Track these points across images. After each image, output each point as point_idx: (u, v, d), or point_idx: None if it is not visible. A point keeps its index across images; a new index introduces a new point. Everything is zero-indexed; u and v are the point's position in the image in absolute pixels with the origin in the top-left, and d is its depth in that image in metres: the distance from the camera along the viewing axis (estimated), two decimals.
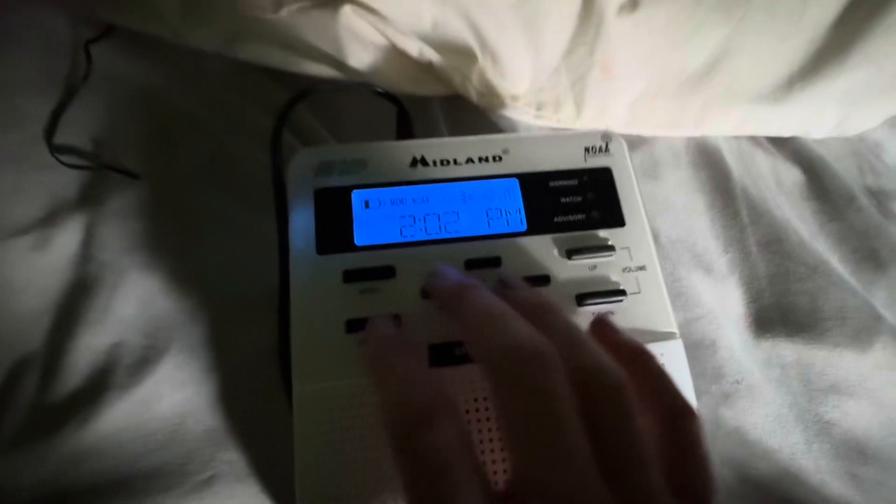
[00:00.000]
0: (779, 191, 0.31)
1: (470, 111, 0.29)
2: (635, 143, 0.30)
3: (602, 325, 0.17)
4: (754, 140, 0.32)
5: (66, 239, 0.23)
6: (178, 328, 0.22)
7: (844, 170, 0.32)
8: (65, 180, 0.24)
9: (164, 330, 0.22)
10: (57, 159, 0.24)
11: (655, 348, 0.17)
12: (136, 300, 0.22)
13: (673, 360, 0.19)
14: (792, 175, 0.31)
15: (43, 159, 0.24)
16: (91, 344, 0.21)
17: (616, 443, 0.12)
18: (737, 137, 0.32)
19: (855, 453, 0.24)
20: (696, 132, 0.30)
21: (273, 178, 0.21)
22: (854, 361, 0.25)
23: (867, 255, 0.28)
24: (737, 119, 0.30)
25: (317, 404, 0.17)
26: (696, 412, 0.14)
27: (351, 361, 0.18)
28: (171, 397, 0.21)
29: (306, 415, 0.17)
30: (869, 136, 0.35)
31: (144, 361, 0.21)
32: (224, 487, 0.20)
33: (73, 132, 0.25)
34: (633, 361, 0.15)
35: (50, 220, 0.23)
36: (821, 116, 0.30)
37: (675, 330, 0.20)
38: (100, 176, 0.24)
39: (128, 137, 0.25)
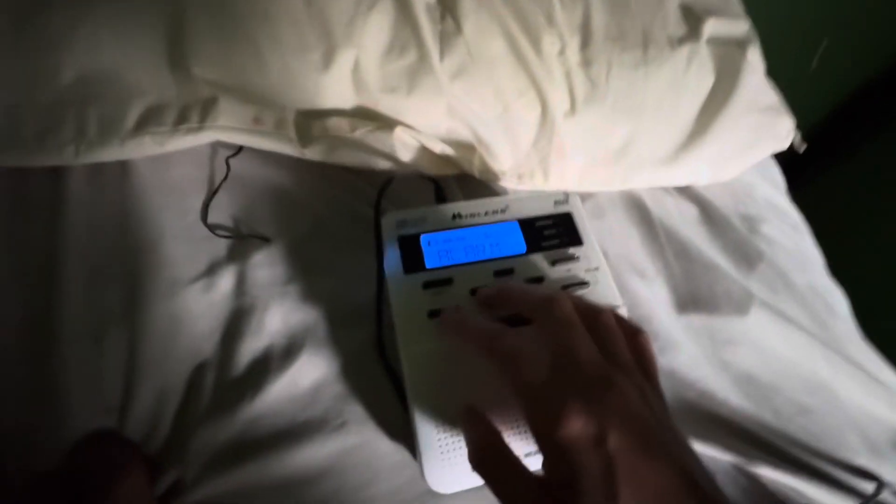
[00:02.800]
0: (682, 221, 0.45)
1: (475, 182, 0.44)
2: (585, 196, 0.44)
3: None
4: (664, 189, 0.47)
5: (224, 283, 0.34)
6: (309, 332, 0.33)
7: (724, 204, 0.47)
8: (218, 246, 0.36)
9: (300, 334, 0.33)
10: (211, 232, 0.37)
11: None
12: (279, 317, 0.33)
13: None
14: (690, 210, 0.46)
15: (202, 233, 0.37)
16: (251, 348, 0.32)
17: (605, 338, 0.24)
18: (651, 188, 0.47)
19: (746, 380, 0.37)
20: (624, 187, 0.45)
21: (375, 230, 0.34)
22: (739, 323, 0.38)
23: (741, 258, 0.43)
24: (646, 178, 0.45)
25: (414, 359, 0.29)
26: (644, 331, 0.25)
27: (430, 334, 0.30)
28: (309, 375, 0.32)
29: (410, 365, 0.29)
30: (743, 179, 0.51)
31: (289, 354, 0.32)
32: (353, 428, 0.31)
33: (220, 215, 0.38)
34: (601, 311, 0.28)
35: (211, 271, 0.35)
36: (699, 172, 0.46)
37: (621, 303, 0.33)
38: (242, 242, 0.37)
39: (260, 215, 0.38)
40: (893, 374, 0.41)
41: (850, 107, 1.07)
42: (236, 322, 0.33)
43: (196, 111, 0.35)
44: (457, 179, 0.43)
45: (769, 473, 0.32)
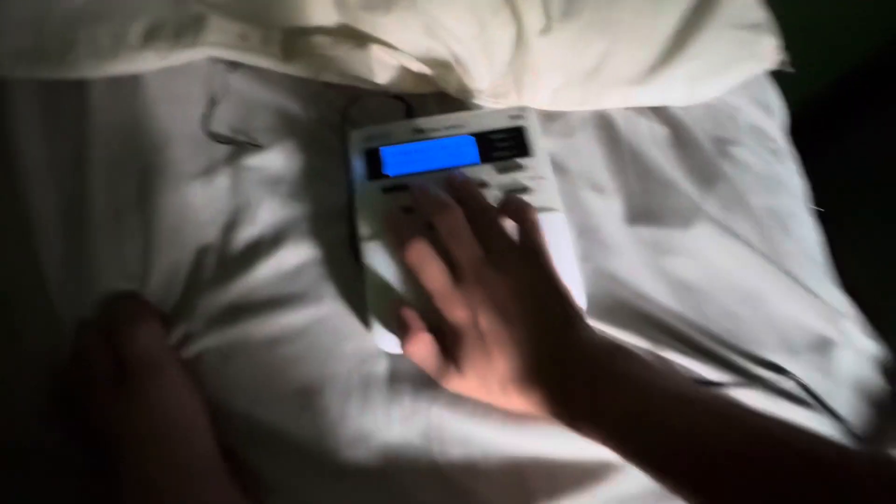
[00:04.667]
0: (652, 142, 0.47)
1: (452, 101, 0.46)
2: (557, 115, 0.47)
3: (507, 197, 0.35)
4: (639, 110, 0.49)
5: (222, 181, 0.40)
6: (294, 225, 0.39)
7: (700, 127, 0.48)
8: (217, 151, 0.42)
9: (286, 226, 0.39)
10: (210, 138, 0.42)
11: (545, 216, 0.34)
12: (269, 212, 0.39)
13: (556, 225, 0.36)
14: (662, 131, 0.48)
15: (203, 139, 0.42)
16: (246, 235, 0.38)
17: (489, 237, 0.32)
18: (627, 109, 0.48)
19: (681, 287, 0.40)
20: (596, 107, 0.47)
21: (342, 145, 0.39)
22: (682, 235, 0.42)
23: (701, 178, 0.45)
24: (620, 97, 0.46)
25: (371, 249, 0.35)
26: (533, 210, 0.33)
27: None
28: (293, 259, 0.37)
29: (368, 254, 0.35)
30: (727, 101, 0.51)
31: (276, 242, 0.38)
32: (327, 302, 0.36)
33: (219, 125, 0.43)
34: (518, 208, 0.33)
35: (211, 171, 0.40)
36: (673, 92, 0.47)
37: (558, 208, 0.37)
38: (238, 148, 0.42)
39: (255, 127, 0.43)
40: (838, 293, 0.44)
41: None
42: (233, 214, 0.40)
43: (190, 28, 0.40)
44: (434, 98, 0.46)
45: (679, 359, 0.37)
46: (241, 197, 0.40)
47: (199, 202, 0.40)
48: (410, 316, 0.32)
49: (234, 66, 0.44)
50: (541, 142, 0.39)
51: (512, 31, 0.44)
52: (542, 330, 0.29)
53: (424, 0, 0.42)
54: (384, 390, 0.34)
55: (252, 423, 0.34)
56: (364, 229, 0.35)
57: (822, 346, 0.39)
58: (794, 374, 0.37)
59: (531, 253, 0.32)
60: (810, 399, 0.37)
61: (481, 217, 0.33)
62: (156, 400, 0.32)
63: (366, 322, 0.35)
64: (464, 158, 0.38)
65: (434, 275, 0.31)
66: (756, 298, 0.41)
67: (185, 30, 0.40)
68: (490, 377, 0.30)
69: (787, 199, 0.48)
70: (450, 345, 0.31)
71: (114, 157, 0.40)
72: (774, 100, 0.55)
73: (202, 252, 0.38)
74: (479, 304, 0.30)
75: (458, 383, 0.31)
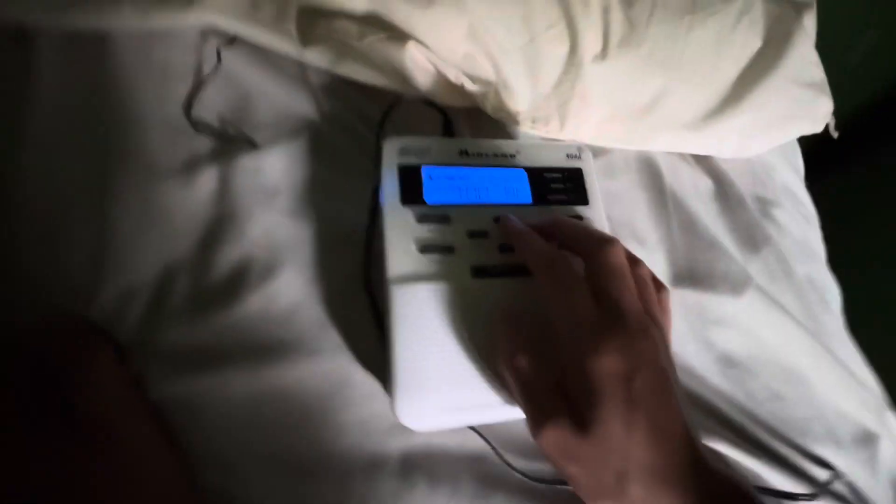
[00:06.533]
0: (695, 193, 0.43)
1: (484, 119, 0.40)
2: (599, 152, 0.42)
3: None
4: (681, 156, 0.45)
5: (204, 183, 0.31)
6: (293, 250, 0.31)
7: (742, 182, 0.45)
8: (201, 143, 0.33)
9: (283, 251, 0.31)
10: (193, 128, 0.34)
11: None
12: (262, 229, 0.31)
13: None
14: (704, 182, 0.44)
15: (183, 126, 0.33)
16: (229, 256, 0.30)
17: (642, 290, 0.26)
18: (669, 153, 0.44)
19: (726, 360, 0.36)
20: (642, 148, 0.43)
21: (375, 154, 0.31)
22: (731, 305, 0.38)
23: (747, 240, 0.42)
24: (669, 141, 0.42)
25: (400, 292, 0.28)
26: (668, 289, 0.28)
27: (420, 268, 0.28)
28: (288, 296, 0.30)
29: (396, 297, 0.27)
30: (765, 159, 0.49)
31: (269, 271, 0.30)
32: (327, 355, 0.29)
33: (206, 111, 0.34)
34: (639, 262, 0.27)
35: (191, 168, 0.31)
36: (725, 143, 0.43)
37: None
38: (227, 143, 0.34)
39: (250, 118, 0.34)
40: (870, 374, 0.42)
41: (881, 107, 1.02)
42: (215, 226, 0.31)
43: None
44: (465, 114, 0.40)
45: (730, 451, 0.32)
46: (226, 205, 0.32)
47: (172, 205, 0.31)
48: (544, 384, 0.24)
49: (231, 39, 0.36)
50: (597, 189, 0.33)
51: (564, 50, 0.39)
52: (691, 430, 0.22)
53: None
54: (394, 478, 0.27)
55: (226, 502, 0.26)
56: (394, 266, 0.28)
57: (866, 440, 0.36)
58: (845, 475, 0.34)
59: (668, 326, 0.27)
60: (857, 501, 0.34)
61: (632, 264, 0.27)
62: (111, 470, 0.23)
63: (385, 386, 0.28)
64: (515, 196, 0.31)
65: (584, 301, 0.24)
66: (801, 379, 0.37)
67: None
68: (614, 456, 0.22)
69: (819, 268, 0.46)
70: (576, 395, 0.23)
71: (61, 134, 0.30)
72: (799, 161, 0.53)
73: (171, 270, 0.30)
74: (643, 361, 0.23)
75: (568, 441, 0.22)
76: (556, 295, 0.25)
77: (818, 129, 0.44)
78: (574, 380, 0.23)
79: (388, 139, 0.31)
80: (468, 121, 0.40)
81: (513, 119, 0.40)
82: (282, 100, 0.36)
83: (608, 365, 0.22)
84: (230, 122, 0.34)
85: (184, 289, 0.30)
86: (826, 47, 0.81)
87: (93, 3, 0.30)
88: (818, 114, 0.44)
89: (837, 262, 0.48)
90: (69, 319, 0.27)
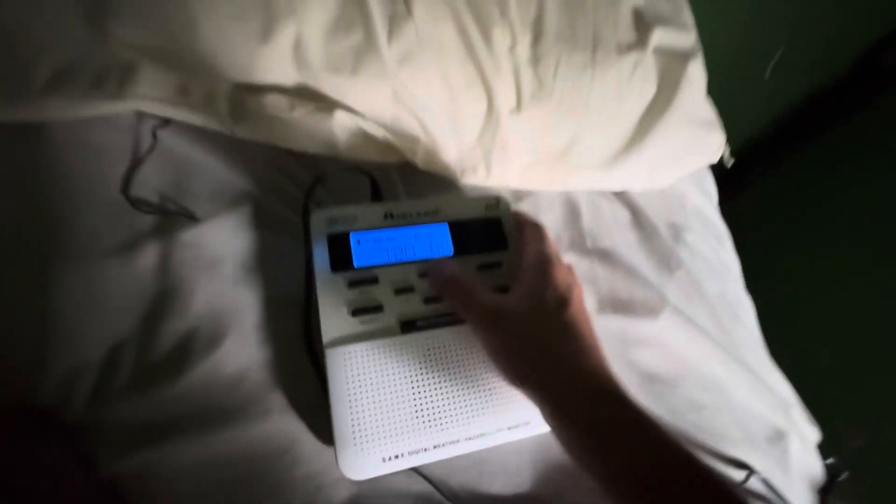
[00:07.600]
0: (614, 224, 0.47)
1: (417, 173, 0.43)
2: (525, 194, 0.46)
3: None
4: (601, 193, 0.49)
5: (146, 259, 0.33)
6: (236, 318, 0.33)
7: (656, 211, 0.50)
8: (141, 220, 0.34)
9: (226, 319, 0.33)
10: (132, 206, 0.35)
11: None
12: (205, 300, 0.33)
13: None
14: (623, 214, 0.49)
15: (123, 205, 0.35)
16: (174, 329, 0.31)
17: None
18: (589, 192, 0.49)
19: (648, 378, 0.40)
20: (563, 188, 0.47)
21: (304, 227, 0.34)
22: (649, 326, 0.42)
23: (663, 264, 0.46)
24: (586, 180, 0.46)
25: (335, 355, 0.30)
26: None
27: (353, 331, 0.31)
28: (233, 362, 0.31)
29: (332, 360, 0.30)
30: (677, 188, 0.54)
31: (214, 340, 0.32)
32: (275, 416, 0.31)
33: (144, 189, 0.36)
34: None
35: (132, 246, 0.33)
36: (636, 178, 0.48)
37: None
38: (168, 218, 0.35)
39: (188, 192, 0.36)
40: (780, 377, 0.46)
41: (793, 117, 1.12)
42: (159, 301, 0.32)
43: (114, 76, 0.33)
44: (398, 171, 0.43)
45: None
46: (169, 279, 0.33)
47: (115, 284, 0.32)
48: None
49: (166, 120, 0.37)
50: (515, 233, 0.37)
51: (483, 106, 0.43)
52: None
53: (395, 65, 0.39)
54: None
55: None
56: (328, 332, 0.30)
57: (777, 438, 0.41)
58: (760, 473, 0.38)
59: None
60: (772, 496, 0.38)
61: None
62: None
63: (327, 441, 0.30)
64: (438, 250, 0.34)
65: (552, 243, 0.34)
66: (718, 387, 0.42)
67: (107, 77, 0.33)
68: (547, 317, 0.30)
69: (733, 285, 0.51)
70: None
71: (2, 221, 0.31)
72: (711, 185, 0.58)
73: (116, 348, 0.31)
74: (575, 297, 0.31)
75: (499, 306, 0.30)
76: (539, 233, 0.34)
77: (714, 160, 0.50)
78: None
79: (315, 211, 0.34)
80: (402, 176, 0.43)
81: (443, 171, 0.43)
82: (219, 172, 0.37)
83: (559, 273, 0.32)
84: (169, 197, 0.36)
85: (130, 365, 0.31)
86: (745, 66, 0.90)
87: (22, 99, 0.32)
88: (712, 146, 0.49)
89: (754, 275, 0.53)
90: (12, 407, 0.28)
